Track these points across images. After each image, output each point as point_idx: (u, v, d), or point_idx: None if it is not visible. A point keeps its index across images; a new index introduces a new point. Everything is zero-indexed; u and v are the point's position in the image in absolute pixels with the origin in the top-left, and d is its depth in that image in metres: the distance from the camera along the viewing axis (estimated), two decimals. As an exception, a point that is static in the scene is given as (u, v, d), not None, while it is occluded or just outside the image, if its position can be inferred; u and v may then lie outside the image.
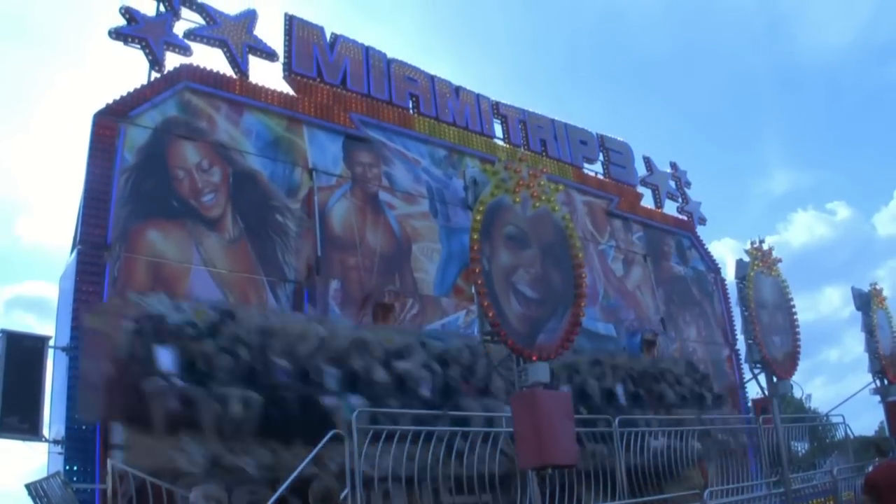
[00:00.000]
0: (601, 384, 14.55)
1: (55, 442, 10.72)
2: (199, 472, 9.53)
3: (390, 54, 16.97)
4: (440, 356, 12.66)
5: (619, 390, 14.80)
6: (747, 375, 17.27)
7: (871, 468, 10.98)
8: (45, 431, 10.71)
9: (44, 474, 10.10)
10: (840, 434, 17.60)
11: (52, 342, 11.06)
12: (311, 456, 9.39)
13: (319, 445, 9.47)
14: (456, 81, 18.20)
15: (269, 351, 10.95)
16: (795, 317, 13.78)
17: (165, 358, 9.95)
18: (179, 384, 9.82)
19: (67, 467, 10.28)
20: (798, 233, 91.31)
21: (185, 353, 10.17)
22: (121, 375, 9.75)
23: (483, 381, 12.71)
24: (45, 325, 14.01)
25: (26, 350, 10.67)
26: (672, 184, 22.98)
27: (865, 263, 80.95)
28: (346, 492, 8.77)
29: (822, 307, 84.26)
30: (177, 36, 13.82)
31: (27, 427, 10.47)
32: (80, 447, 10.47)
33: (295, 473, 9.29)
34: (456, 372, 12.53)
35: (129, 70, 14.77)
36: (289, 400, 10.52)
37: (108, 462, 9.68)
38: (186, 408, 9.68)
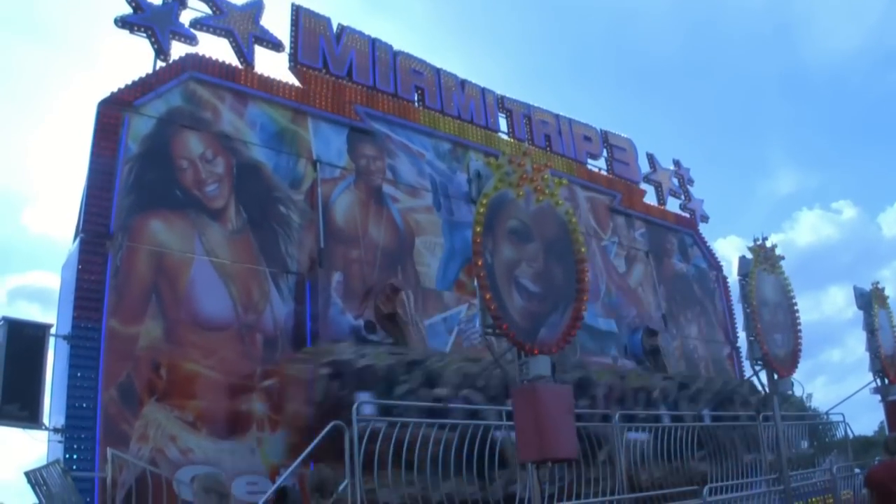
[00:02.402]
0: (689, 406, 14.96)
1: (55, 430, 10.73)
2: None
3: (396, 47, 16.95)
4: None
5: (706, 413, 14.99)
6: (748, 373, 17.27)
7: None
8: (45, 420, 10.73)
9: (43, 463, 10.12)
10: (840, 433, 17.59)
11: (53, 330, 11.08)
12: (312, 446, 9.39)
13: (319, 438, 9.47)
14: (462, 75, 18.20)
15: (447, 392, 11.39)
16: (797, 315, 13.76)
17: (362, 400, 10.08)
18: (377, 425, 9.79)
19: (67, 456, 10.29)
20: (803, 232, 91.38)
21: (378, 396, 10.59)
22: (320, 418, 9.90)
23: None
24: (48, 315, 14.07)
25: (27, 338, 10.68)
26: (675, 181, 22.97)
27: (870, 263, 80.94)
28: (345, 482, 8.77)
29: (826, 307, 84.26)
30: (183, 25, 13.80)
31: (27, 415, 10.48)
32: (79, 436, 10.49)
33: (295, 463, 9.31)
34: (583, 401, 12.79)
35: (135, 60, 14.78)
36: (466, 435, 10.42)
37: (108, 450, 9.71)
38: (384, 447, 9.66)
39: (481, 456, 10.11)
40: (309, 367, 10.87)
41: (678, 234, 22.45)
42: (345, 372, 10.70)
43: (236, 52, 14.37)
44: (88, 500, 9.99)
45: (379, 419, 9.69)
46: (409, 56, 17.16)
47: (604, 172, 20.91)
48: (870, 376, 15.96)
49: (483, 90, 18.51)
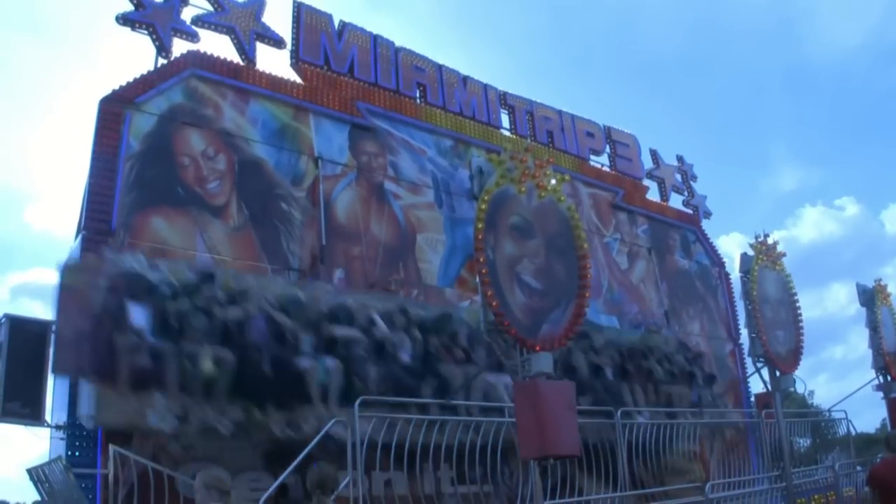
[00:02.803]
0: (587, 358, 14.45)
1: (57, 427, 10.72)
2: (169, 429, 9.66)
3: (398, 43, 16.94)
4: (422, 324, 12.72)
5: (607, 365, 14.72)
6: (750, 370, 17.25)
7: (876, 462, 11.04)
8: (48, 417, 10.72)
9: (45, 460, 10.11)
10: (842, 430, 17.59)
11: (55, 327, 11.05)
12: (314, 441, 9.40)
13: (321, 434, 9.48)
14: (464, 72, 18.18)
15: (245, 312, 10.87)
16: (799, 312, 13.77)
17: (139, 314, 9.84)
18: (151, 340, 9.73)
19: (69, 452, 10.27)
20: (806, 229, 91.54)
21: (158, 311, 10.07)
22: (94, 331, 9.64)
23: (464, 351, 12.75)
24: (51, 312, 13.96)
25: (29, 335, 10.66)
26: (678, 177, 22.91)
27: (873, 260, 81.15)
28: (347, 479, 8.77)
29: (829, 304, 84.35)
30: (184, 22, 13.77)
31: (29, 412, 10.46)
32: (81, 432, 10.45)
33: (297, 460, 9.31)
34: (437, 340, 12.58)
35: (136, 58, 14.79)
36: (263, 360, 10.46)
37: (110, 448, 9.69)
38: (157, 364, 9.64)
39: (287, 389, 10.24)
40: (86, 277, 10.28)
41: (681, 231, 22.39)
42: (125, 284, 10.19)
43: (238, 50, 14.35)
44: (91, 496, 9.97)
45: (380, 415, 9.64)
46: (410, 52, 17.14)
47: (606, 168, 20.87)
48: (872, 373, 15.99)
49: (485, 86, 18.49)
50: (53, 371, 10.33)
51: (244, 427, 10.11)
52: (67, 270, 10.26)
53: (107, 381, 9.40)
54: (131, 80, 12.66)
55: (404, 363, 11.87)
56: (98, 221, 11.68)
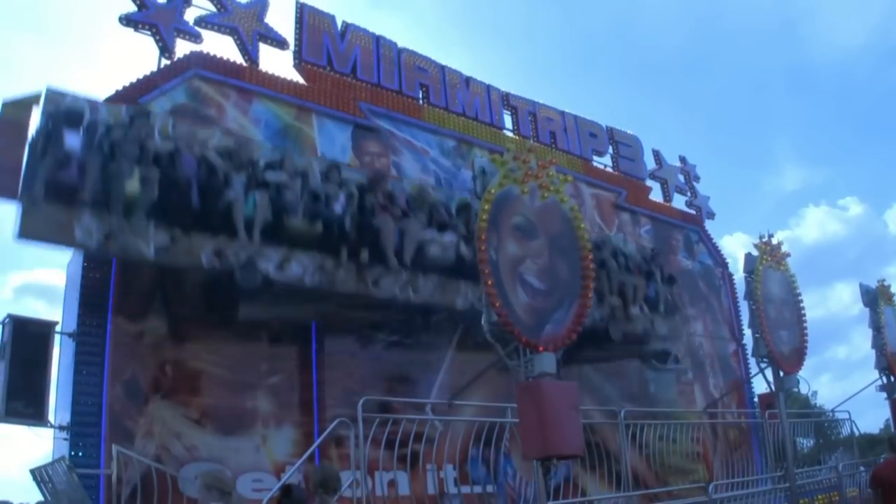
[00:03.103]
0: None
1: (60, 428, 10.73)
2: (94, 245, 10.17)
3: (401, 44, 16.94)
4: (359, 184, 13.13)
5: None
6: (753, 370, 17.23)
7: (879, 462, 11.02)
8: (51, 417, 10.72)
9: (49, 460, 10.11)
10: (846, 431, 17.57)
11: (58, 328, 11.05)
12: (314, 446, 9.39)
13: (324, 435, 9.47)
14: (467, 73, 18.18)
15: (179, 147, 11.30)
16: (803, 312, 13.75)
17: (72, 140, 10.28)
18: (79, 158, 10.19)
19: (72, 453, 10.30)
20: (809, 228, 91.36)
21: (92, 138, 10.48)
22: (29, 156, 10.17)
23: (403, 211, 13.19)
24: (54, 312, 14.00)
25: (33, 335, 10.65)
26: (681, 178, 22.89)
27: (876, 260, 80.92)
28: (351, 479, 8.77)
29: (832, 304, 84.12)
30: (187, 23, 13.77)
31: (32, 412, 10.44)
32: (85, 433, 10.48)
33: (300, 462, 9.31)
34: (374, 198, 12.96)
35: (139, 59, 14.73)
36: (191, 188, 10.94)
37: (113, 448, 9.71)
38: (83, 179, 10.11)
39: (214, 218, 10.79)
40: (26, 111, 10.62)
41: (684, 231, 22.36)
42: (64, 118, 10.51)
43: (241, 50, 14.35)
44: (94, 497, 9.99)
45: (383, 416, 9.63)
46: (413, 53, 17.12)
47: (609, 169, 20.86)
48: (876, 374, 15.96)
49: (488, 87, 18.48)
50: None
51: (169, 251, 10.59)
52: (8, 105, 10.60)
53: (35, 195, 9.84)
54: (135, 80, 12.67)
55: (337, 211, 12.34)
56: (101, 221, 11.68)
